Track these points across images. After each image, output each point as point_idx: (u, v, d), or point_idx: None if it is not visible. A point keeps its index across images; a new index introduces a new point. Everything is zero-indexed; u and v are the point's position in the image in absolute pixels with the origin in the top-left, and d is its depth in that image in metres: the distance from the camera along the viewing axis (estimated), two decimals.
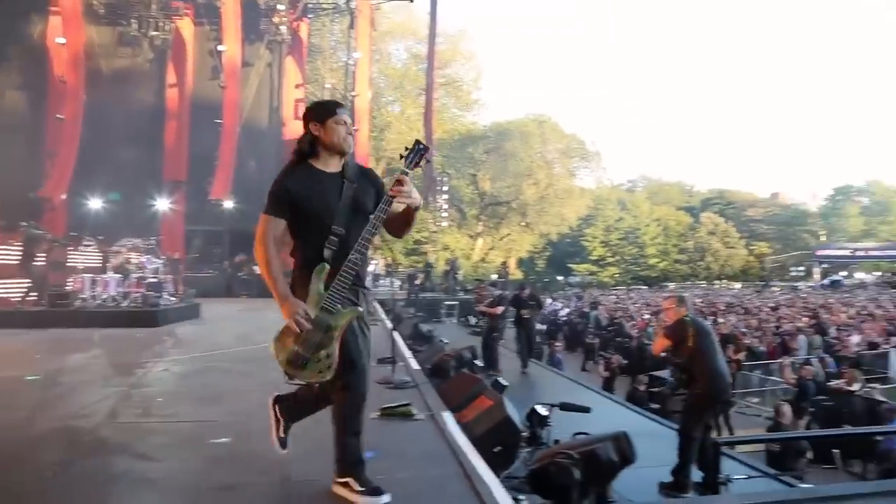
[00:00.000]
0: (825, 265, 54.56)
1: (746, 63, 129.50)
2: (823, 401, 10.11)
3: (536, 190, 44.93)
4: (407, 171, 2.65)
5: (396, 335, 7.80)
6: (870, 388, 10.14)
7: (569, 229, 49.73)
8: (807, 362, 12.23)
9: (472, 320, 18.70)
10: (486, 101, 51.21)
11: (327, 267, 2.58)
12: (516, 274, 42.27)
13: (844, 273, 53.16)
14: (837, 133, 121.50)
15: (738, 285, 50.97)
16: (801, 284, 48.34)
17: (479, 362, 8.56)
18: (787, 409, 8.53)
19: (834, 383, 10.74)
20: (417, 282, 24.24)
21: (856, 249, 54.77)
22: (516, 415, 4.75)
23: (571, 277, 55.31)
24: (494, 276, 29.36)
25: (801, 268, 57.26)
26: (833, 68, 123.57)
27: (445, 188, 36.14)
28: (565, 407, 4.55)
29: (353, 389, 2.69)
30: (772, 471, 6.08)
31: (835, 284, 44.67)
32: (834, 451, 6.80)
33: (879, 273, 53.74)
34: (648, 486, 4.94)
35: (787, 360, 12.81)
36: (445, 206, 36.59)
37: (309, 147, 2.73)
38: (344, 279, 2.57)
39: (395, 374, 5.85)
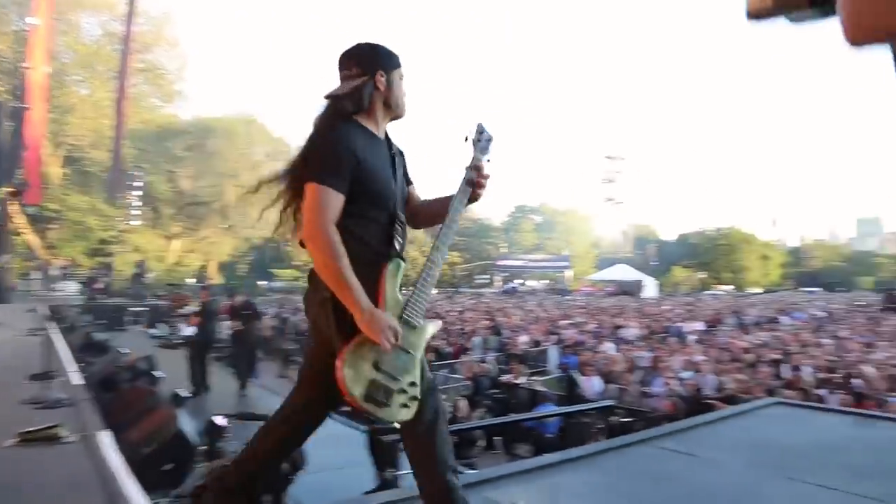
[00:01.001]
0: (505, 274, 61.60)
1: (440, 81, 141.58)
2: (496, 394, 11.33)
3: (240, 192, 43.48)
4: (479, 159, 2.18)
5: (59, 345, 6.82)
6: (532, 380, 11.70)
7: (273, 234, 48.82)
8: (483, 360, 13.65)
9: (164, 330, 17.32)
10: (189, 94, 48.00)
11: (402, 265, 2.05)
12: (216, 278, 40.27)
13: (520, 281, 60.67)
14: (518, 157, 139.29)
15: (434, 291, 54.81)
16: (485, 291, 53.99)
17: (158, 373, 7.86)
18: (463, 403, 9.39)
19: (504, 377, 12.11)
20: (99, 285, 21.72)
21: (529, 260, 62.90)
22: (193, 428, 4.47)
23: (275, 282, 54.49)
24: (192, 280, 27.69)
25: (486, 276, 63.83)
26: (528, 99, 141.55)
27: (139, 184, 33.09)
28: (244, 416, 4.41)
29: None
30: None
31: (511, 291, 50.94)
32: (496, 438, 7.65)
33: (547, 281, 62.64)
34: (328, 490, 5.00)
35: (467, 359, 14.16)
36: (138, 204, 33.48)
37: (367, 101, 2.08)
38: (426, 283, 2.07)
39: (51, 390, 5.12)
